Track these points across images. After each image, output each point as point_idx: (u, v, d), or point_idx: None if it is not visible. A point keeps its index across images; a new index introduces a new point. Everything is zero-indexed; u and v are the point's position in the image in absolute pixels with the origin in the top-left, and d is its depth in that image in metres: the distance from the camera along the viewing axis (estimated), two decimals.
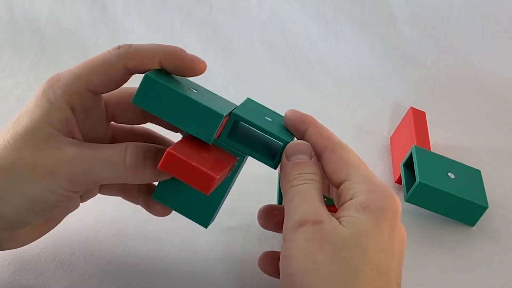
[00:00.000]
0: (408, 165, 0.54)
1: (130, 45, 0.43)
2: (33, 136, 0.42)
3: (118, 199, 0.53)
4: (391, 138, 0.62)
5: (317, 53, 0.71)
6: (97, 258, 0.49)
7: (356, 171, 0.42)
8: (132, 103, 0.41)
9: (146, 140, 0.49)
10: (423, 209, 0.52)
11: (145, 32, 0.73)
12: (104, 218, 0.52)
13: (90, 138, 0.44)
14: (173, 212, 0.52)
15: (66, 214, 0.47)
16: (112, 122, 0.47)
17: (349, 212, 0.40)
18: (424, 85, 0.68)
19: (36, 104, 0.43)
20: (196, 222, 0.45)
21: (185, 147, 0.41)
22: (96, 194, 0.49)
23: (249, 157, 0.45)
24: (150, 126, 0.48)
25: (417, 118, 0.60)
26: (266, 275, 0.48)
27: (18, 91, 0.68)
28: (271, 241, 0.51)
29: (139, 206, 0.51)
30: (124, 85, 0.44)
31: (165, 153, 0.39)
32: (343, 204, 0.41)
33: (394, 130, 0.62)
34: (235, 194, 0.55)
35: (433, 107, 0.65)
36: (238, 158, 0.44)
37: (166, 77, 0.43)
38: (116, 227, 0.52)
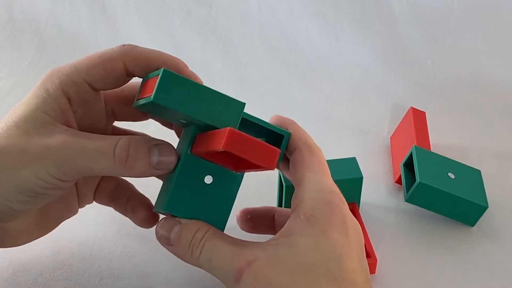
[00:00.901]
0: (408, 165, 0.54)
1: (135, 46, 0.43)
2: (26, 123, 0.42)
3: None
4: (391, 138, 0.62)
5: (317, 53, 0.71)
6: (97, 258, 0.49)
7: (311, 175, 0.41)
8: (153, 100, 0.40)
9: None
10: (423, 209, 0.52)
11: (145, 32, 0.73)
12: (104, 218, 0.52)
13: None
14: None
15: (63, 218, 0.47)
16: (113, 124, 0.47)
17: (293, 226, 0.39)
18: (424, 85, 0.68)
19: (33, 94, 0.43)
20: (213, 225, 0.43)
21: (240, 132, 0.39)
22: (92, 201, 0.48)
23: None
24: (147, 126, 0.48)
25: (417, 118, 0.60)
26: None
27: (17, 90, 0.68)
28: None
29: None
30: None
31: (226, 132, 0.38)
32: (292, 212, 0.40)
33: (394, 130, 0.62)
34: (238, 195, 0.55)
35: (433, 107, 0.65)
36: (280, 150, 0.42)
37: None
38: (116, 227, 0.52)
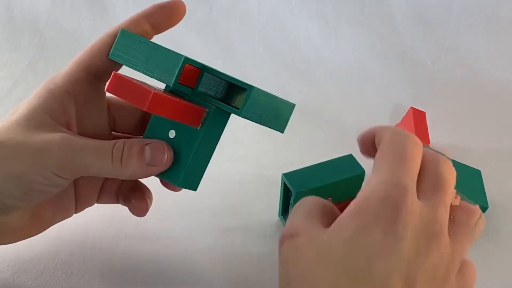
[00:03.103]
0: None
1: (119, 25, 0.45)
2: (27, 121, 0.42)
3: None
4: None
5: (317, 53, 0.71)
6: (97, 258, 0.49)
7: (382, 166, 0.39)
8: (109, 57, 0.43)
9: (142, 118, 0.49)
10: None
11: None
12: (104, 219, 0.52)
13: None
14: (173, 213, 0.52)
15: (56, 220, 0.47)
16: (112, 132, 0.47)
17: (344, 215, 0.37)
18: (424, 85, 0.68)
19: (36, 94, 0.43)
20: (184, 187, 0.45)
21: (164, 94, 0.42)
22: (94, 203, 0.48)
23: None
24: None
25: (417, 118, 0.60)
26: (265, 275, 0.48)
27: (17, 90, 0.68)
28: (271, 241, 0.51)
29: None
30: None
31: (112, 75, 0.41)
32: None
33: None
34: (235, 194, 0.55)
35: (433, 107, 0.65)
36: (207, 109, 0.44)
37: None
38: (116, 227, 0.52)
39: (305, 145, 0.62)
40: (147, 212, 0.47)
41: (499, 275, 0.49)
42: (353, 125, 0.64)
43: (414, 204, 0.37)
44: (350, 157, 0.51)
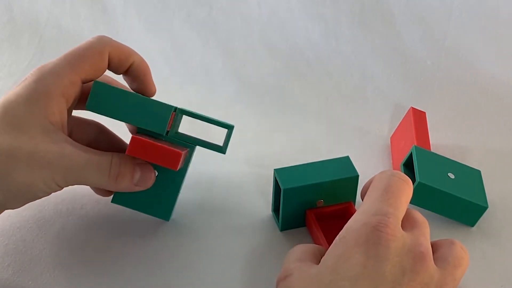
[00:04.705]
0: (408, 165, 0.54)
1: (111, 38, 0.46)
2: (30, 128, 0.42)
3: None
4: (391, 138, 0.62)
5: (317, 53, 0.71)
6: (97, 258, 0.49)
7: (366, 200, 0.42)
8: (86, 108, 0.44)
9: (98, 132, 0.51)
10: (423, 209, 0.52)
11: (145, 32, 0.73)
12: (104, 218, 0.52)
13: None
14: (175, 213, 0.52)
15: None
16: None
17: (330, 246, 0.40)
18: (424, 85, 0.68)
19: (31, 94, 0.43)
20: (157, 217, 0.50)
21: (144, 138, 0.44)
22: None
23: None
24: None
25: (417, 118, 0.60)
26: (265, 275, 0.48)
27: None
28: (272, 241, 0.51)
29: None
30: None
31: (130, 139, 0.43)
32: None
33: (394, 130, 0.62)
34: (235, 194, 0.55)
35: (433, 107, 0.65)
36: (188, 149, 0.48)
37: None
38: (116, 227, 0.52)
39: (305, 145, 0.62)
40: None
41: (499, 275, 0.49)
42: (353, 125, 0.64)
43: (395, 229, 0.39)
44: (346, 159, 0.51)
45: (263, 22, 0.72)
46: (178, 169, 0.44)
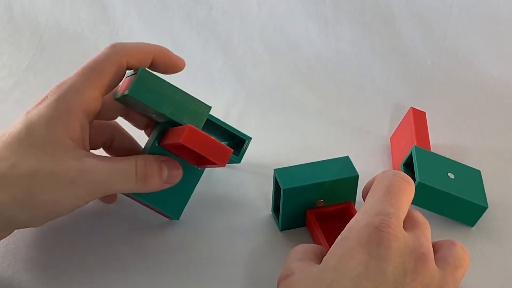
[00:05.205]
0: (408, 165, 0.54)
1: (124, 43, 0.45)
2: (52, 147, 0.42)
3: (120, 201, 0.53)
4: (391, 138, 0.62)
5: (317, 53, 0.71)
6: (98, 258, 0.49)
7: (367, 201, 0.42)
8: (129, 94, 0.43)
9: (114, 132, 0.51)
10: (423, 209, 0.52)
11: (145, 32, 0.73)
12: (104, 218, 0.52)
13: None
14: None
15: None
16: None
17: (331, 246, 0.40)
18: (424, 85, 0.68)
19: (52, 114, 0.43)
20: (168, 214, 0.49)
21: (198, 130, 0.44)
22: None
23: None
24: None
25: (417, 118, 0.60)
26: (265, 275, 0.48)
27: (17, 91, 0.68)
28: (272, 241, 0.51)
29: (141, 207, 0.51)
30: None
31: (186, 128, 0.43)
32: None
33: (394, 130, 0.62)
34: (235, 194, 0.55)
35: (433, 107, 0.65)
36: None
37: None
38: (117, 228, 0.52)
39: (305, 145, 0.62)
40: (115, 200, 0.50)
41: (499, 275, 0.49)
42: (353, 125, 0.64)
43: (397, 229, 0.39)
44: (346, 159, 0.51)
45: (263, 22, 0.72)
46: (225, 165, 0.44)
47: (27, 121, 0.43)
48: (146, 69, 0.45)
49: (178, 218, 0.50)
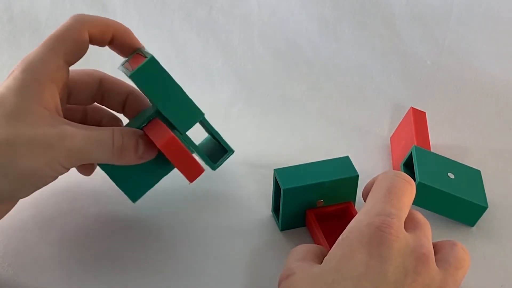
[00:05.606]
0: (408, 165, 0.54)
1: (85, 14, 0.46)
2: (27, 116, 0.42)
3: (119, 201, 0.53)
4: (391, 138, 0.62)
5: (317, 53, 0.71)
6: (97, 258, 0.49)
7: (368, 200, 0.42)
8: (129, 76, 0.44)
9: (100, 82, 0.50)
10: (422, 209, 0.52)
11: (145, 32, 0.73)
12: (104, 218, 0.52)
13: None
14: (176, 213, 0.52)
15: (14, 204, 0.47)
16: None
17: (332, 246, 0.40)
18: (424, 85, 0.68)
19: (21, 84, 0.43)
20: (126, 194, 0.49)
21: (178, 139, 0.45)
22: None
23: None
24: None
25: (417, 118, 0.60)
26: (265, 275, 0.48)
27: None
28: (272, 241, 0.51)
29: (142, 206, 0.51)
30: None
31: (167, 136, 0.43)
32: None
33: (394, 130, 0.62)
34: (235, 195, 0.55)
35: (433, 107, 0.65)
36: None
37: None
38: (117, 227, 0.52)
39: (305, 145, 0.62)
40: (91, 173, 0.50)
41: (499, 275, 0.49)
42: (353, 125, 0.64)
43: (398, 229, 0.39)
44: (346, 159, 0.51)
45: (263, 22, 0.72)
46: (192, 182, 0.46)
47: None
48: (155, 58, 0.45)
49: (134, 201, 0.50)
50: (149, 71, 0.44)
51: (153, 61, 0.44)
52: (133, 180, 0.48)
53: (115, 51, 0.49)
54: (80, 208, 0.53)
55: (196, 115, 0.46)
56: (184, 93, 0.46)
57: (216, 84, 0.69)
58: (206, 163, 0.50)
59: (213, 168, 0.50)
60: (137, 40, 0.48)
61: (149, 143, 0.46)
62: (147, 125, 0.47)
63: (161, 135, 0.44)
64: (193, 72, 0.69)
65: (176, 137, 0.44)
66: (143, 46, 0.49)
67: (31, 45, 0.72)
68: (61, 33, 0.45)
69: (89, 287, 0.47)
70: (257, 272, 0.48)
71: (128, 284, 0.47)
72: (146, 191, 0.50)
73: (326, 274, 0.38)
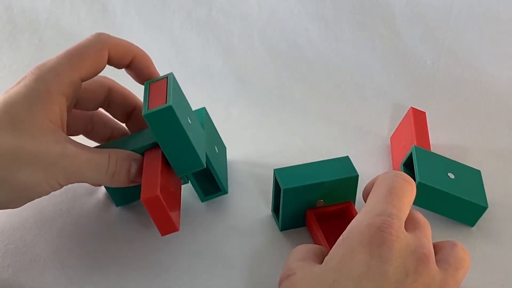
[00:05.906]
0: (408, 165, 0.54)
1: (109, 35, 0.45)
2: (31, 127, 0.42)
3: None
4: (391, 138, 0.62)
5: (317, 53, 0.71)
6: (97, 258, 0.49)
7: (369, 201, 0.42)
8: (143, 115, 0.43)
9: (108, 91, 0.50)
10: (423, 209, 0.52)
11: (145, 32, 0.73)
12: (104, 218, 0.52)
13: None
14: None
15: None
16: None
17: (333, 246, 0.40)
18: (424, 85, 0.68)
19: (32, 94, 0.43)
20: (112, 199, 0.52)
21: (162, 176, 0.45)
22: None
23: None
24: None
25: (417, 118, 0.60)
26: (265, 275, 0.48)
27: None
28: (272, 241, 0.51)
29: (142, 206, 0.51)
30: None
31: (153, 194, 0.43)
32: None
33: (394, 130, 0.62)
34: (236, 194, 0.55)
35: (433, 107, 0.65)
36: (182, 180, 0.50)
37: (177, 95, 0.46)
38: (116, 228, 0.52)
39: (305, 145, 0.62)
40: None
41: (499, 275, 0.49)
42: (353, 125, 0.64)
43: (399, 230, 0.39)
44: (346, 159, 0.51)
45: (263, 22, 0.72)
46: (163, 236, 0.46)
47: (5, 99, 0.43)
48: (173, 107, 0.43)
49: (117, 206, 0.52)
50: (163, 118, 0.44)
51: (170, 110, 0.43)
52: (122, 189, 0.49)
53: (130, 75, 0.49)
54: (80, 208, 0.53)
55: (195, 165, 0.46)
56: (190, 143, 0.45)
57: (216, 84, 0.69)
58: (197, 192, 0.51)
59: (202, 200, 0.52)
60: (155, 69, 0.48)
61: (141, 167, 0.46)
62: (148, 155, 0.47)
63: (149, 186, 0.44)
64: (193, 72, 0.69)
65: (160, 197, 0.43)
66: (159, 75, 0.49)
67: (31, 45, 0.73)
68: (81, 49, 0.45)
69: (89, 287, 0.47)
70: (257, 272, 0.48)
71: (128, 284, 0.47)
72: (132, 202, 0.51)
73: (326, 274, 0.38)
